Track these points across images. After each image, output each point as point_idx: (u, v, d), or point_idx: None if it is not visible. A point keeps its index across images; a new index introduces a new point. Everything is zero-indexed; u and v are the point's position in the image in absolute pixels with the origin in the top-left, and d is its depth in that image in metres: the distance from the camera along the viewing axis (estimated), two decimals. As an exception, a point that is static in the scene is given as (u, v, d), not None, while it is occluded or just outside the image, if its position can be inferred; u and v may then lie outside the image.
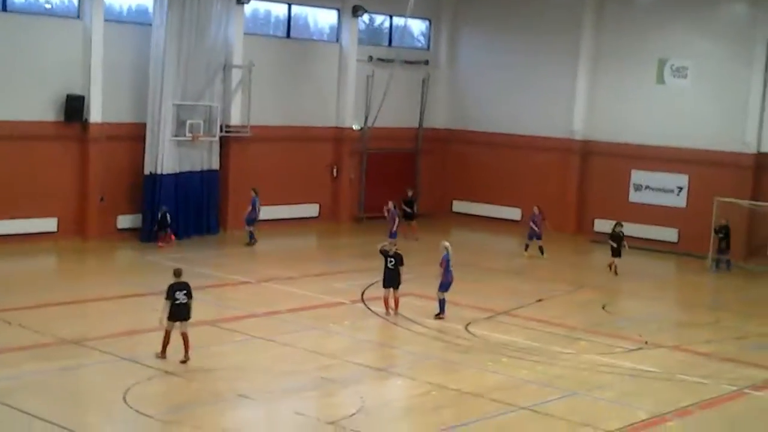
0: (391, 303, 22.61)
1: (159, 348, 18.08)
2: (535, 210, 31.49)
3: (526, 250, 31.43)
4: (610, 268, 28.98)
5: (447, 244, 22.76)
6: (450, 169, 39.78)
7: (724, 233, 30.30)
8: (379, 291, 24.77)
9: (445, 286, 22.58)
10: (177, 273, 18.46)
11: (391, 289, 22.61)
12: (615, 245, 29.01)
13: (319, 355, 18.98)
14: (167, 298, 17.97)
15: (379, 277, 23.52)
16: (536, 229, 31.21)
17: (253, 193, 31.41)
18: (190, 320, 18.15)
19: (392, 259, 22.52)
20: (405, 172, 38.88)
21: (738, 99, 32.79)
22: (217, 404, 16.03)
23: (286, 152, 34.77)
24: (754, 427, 16.56)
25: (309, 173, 35.68)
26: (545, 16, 37.35)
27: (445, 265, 22.38)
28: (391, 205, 32.42)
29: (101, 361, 18.01)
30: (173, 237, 30.44)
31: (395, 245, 23.21)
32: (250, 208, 31.33)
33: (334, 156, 36.51)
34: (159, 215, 30.16)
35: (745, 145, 32.62)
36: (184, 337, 17.97)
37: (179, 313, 17.96)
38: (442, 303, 22.64)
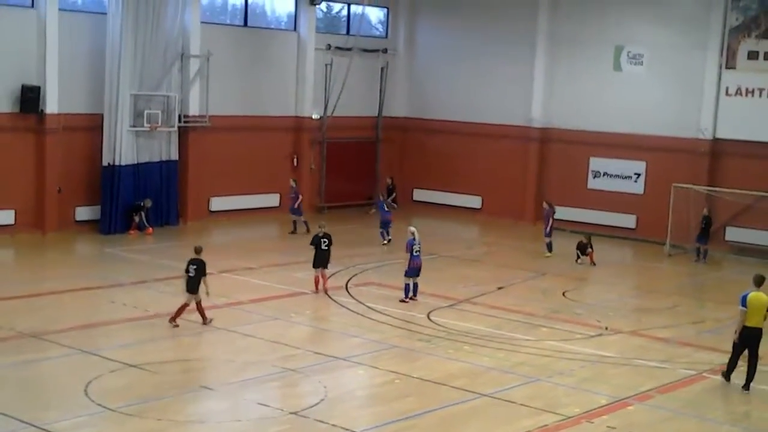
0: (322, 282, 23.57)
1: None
2: (545, 205, 30.98)
3: (550, 250, 30.29)
4: (578, 260, 29.26)
5: (413, 229, 23.28)
6: (410, 157, 39.85)
7: (705, 223, 30.52)
8: (340, 280, 24.92)
9: (412, 272, 22.98)
10: (196, 250, 20.50)
11: (321, 269, 23.47)
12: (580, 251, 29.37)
13: (281, 346, 18.97)
14: (186, 271, 20.01)
15: (340, 266, 23.72)
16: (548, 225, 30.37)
17: (292, 182, 32.56)
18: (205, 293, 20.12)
19: (326, 240, 23.36)
20: (365, 161, 38.91)
21: (694, 86, 33.11)
22: (180, 396, 15.98)
23: (245, 142, 34.63)
24: (712, 410, 16.79)
25: (269, 163, 35.57)
26: (503, 3, 37.46)
27: (410, 249, 22.77)
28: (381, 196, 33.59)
29: (61, 355, 17.88)
30: (150, 230, 30.68)
31: (325, 226, 24.17)
32: (294, 197, 32.38)
33: (294, 145, 36.43)
34: (142, 205, 30.60)
35: (702, 131, 32.97)
36: (197, 306, 19.97)
37: (189, 285, 19.89)
38: (407, 287, 23.04)
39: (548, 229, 30.19)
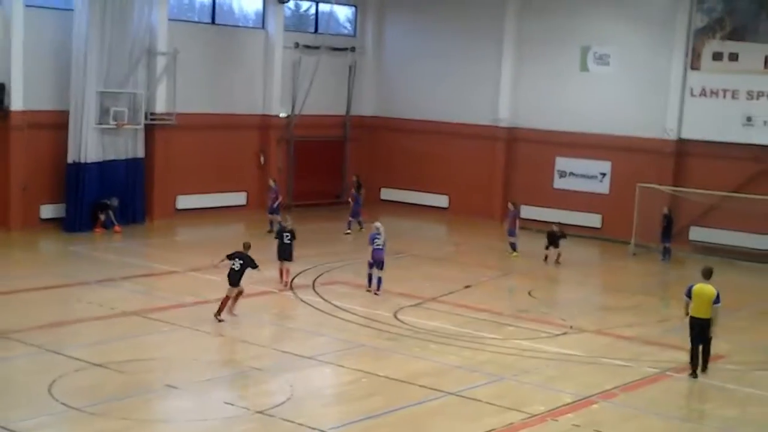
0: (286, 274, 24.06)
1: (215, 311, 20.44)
2: (510, 206, 30.80)
3: (515, 250, 30.09)
4: (546, 259, 29.08)
5: (378, 224, 24.04)
6: (377, 156, 39.89)
7: (666, 222, 30.73)
8: (307, 279, 24.91)
9: (374, 264, 23.63)
10: (245, 246, 21.19)
11: (284, 262, 23.90)
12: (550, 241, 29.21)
13: (247, 344, 18.95)
14: (230, 259, 20.83)
15: (308, 264, 23.83)
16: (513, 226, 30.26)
17: (272, 183, 32.14)
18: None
19: (288, 234, 23.97)
20: (333, 159, 38.92)
21: (659, 86, 33.38)
22: (145, 395, 15.92)
23: (212, 140, 34.53)
24: (676, 408, 16.96)
25: (236, 161, 35.49)
26: (471, 3, 37.60)
27: (372, 242, 23.63)
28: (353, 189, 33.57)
29: (25, 354, 17.74)
30: (119, 229, 30.47)
31: (289, 221, 24.83)
32: (273, 197, 31.84)
33: (261, 144, 36.37)
34: (108, 203, 30.43)
35: (667, 131, 33.25)
36: (233, 300, 20.81)
37: (231, 278, 20.53)
38: (369, 277, 23.84)
39: (513, 229, 30.14)
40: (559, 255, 28.95)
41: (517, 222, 30.34)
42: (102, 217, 30.44)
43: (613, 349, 20.12)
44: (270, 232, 31.47)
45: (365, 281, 24.02)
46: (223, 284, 23.82)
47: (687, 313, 18.28)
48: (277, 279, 24.14)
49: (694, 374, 18.31)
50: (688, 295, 18.17)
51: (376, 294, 23.53)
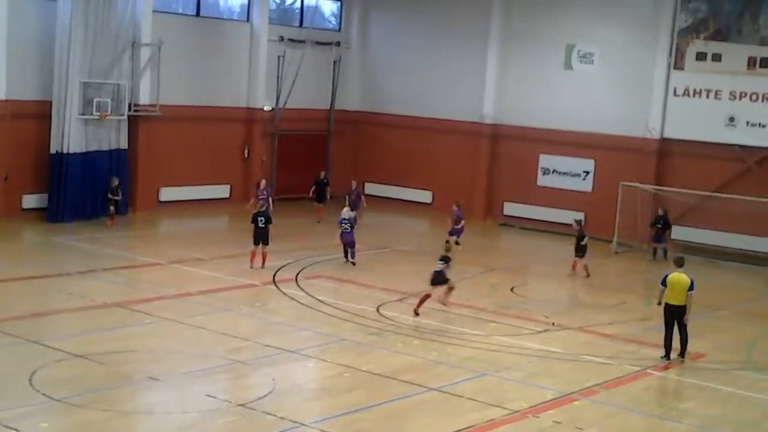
0: (259, 258, 25.00)
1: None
2: (455, 207, 29.59)
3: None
4: (574, 269, 27.42)
5: (345, 209, 26.86)
6: (361, 151, 39.88)
7: (662, 223, 30.74)
8: (290, 272, 24.91)
9: (345, 243, 26.26)
10: (447, 248, 22.20)
11: (261, 245, 24.86)
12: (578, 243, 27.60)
13: (230, 338, 18.90)
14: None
15: (291, 258, 23.96)
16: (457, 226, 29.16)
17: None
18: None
19: (262, 218, 24.95)
20: (317, 153, 38.85)
21: (643, 85, 33.49)
22: (127, 387, 15.88)
23: (196, 132, 34.42)
24: (657, 406, 17.05)
25: (220, 154, 35.40)
26: None
27: (339, 225, 26.27)
28: (353, 185, 33.38)
29: (6, 344, 17.63)
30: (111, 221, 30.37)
31: (264, 207, 25.72)
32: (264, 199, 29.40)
33: (245, 137, 36.29)
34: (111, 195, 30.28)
35: (650, 130, 33.38)
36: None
37: (433, 278, 21.32)
38: (345, 252, 26.43)
39: (457, 229, 29.08)
40: (586, 267, 27.27)
41: (462, 224, 29.14)
42: (112, 209, 30.19)
43: (595, 346, 20.19)
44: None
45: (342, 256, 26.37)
46: (211, 277, 23.87)
47: (660, 302, 19.23)
48: (257, 265, 25.02)
49: (667, 357, 19.11)
50: (664, 283, 19.01)
51: (352, 263, 26.09)
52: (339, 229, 26.35)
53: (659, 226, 30.67)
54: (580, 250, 27.23)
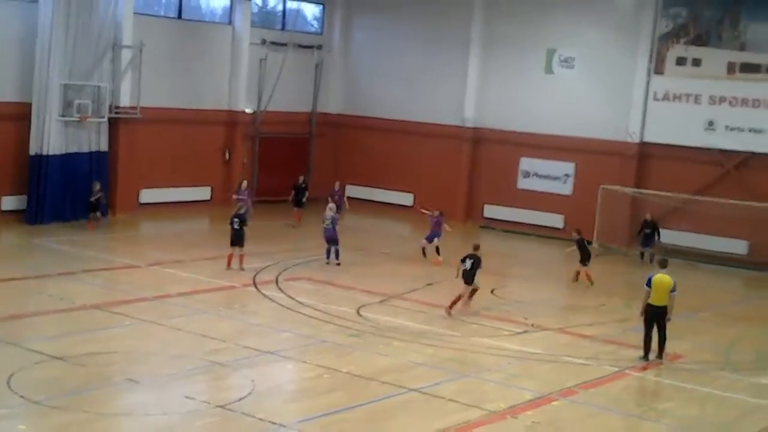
0: (236, 261, 25.05)
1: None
2: (435, 212, 29.24)
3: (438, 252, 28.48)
4: (577, 277, 27.16)
5: (331, 205, 27.43)
6: (343, 154, 39.89)
7: (651, 228, 30.70)
8: (271, 274, 24.91)
9: (327, 240, 26.68)
10: (475, 247, 22.57)
11: (237, 248, 24.90)
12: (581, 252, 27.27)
13: (209, 339, 18.86)
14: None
15: (271, 260, 24.02)
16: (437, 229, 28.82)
17: (244, 183, 31.62)
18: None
19: (237, 220, 25.12)
20: (298, 156, 38.83)
21: (623, 90, 33.66)
22: (106, 389, 15.82)
23: (177, 135, 34.33)
24: (635, 406, 17.13)
25: (201, 156, 35.31)
26: (438, 3, 37.66)
27: (322, 222, 26.77)
28: (337, 186, 33.56)
29: (-16, 346, 17.57)
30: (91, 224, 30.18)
31: (243, 209, 25.94)
32: (243, 200, 29.85)
33: (227, 139, 36.22)
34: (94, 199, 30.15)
35: (630, 134, 33.54)
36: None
37: (465, 276, 21.95)
38: (327, 251, 26.83)
39: (432, 233, 28.73)
40: (588, 274, 26.87)
41: (443, 227, 28.85)
42: (98, 214, 30.16)
43: (574, 347, 20.28)
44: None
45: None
46: (190, 279, 23.86)
47: (644, 307, 19.30)
48: (235, 266, 25.12)
49: (645, 357, 19.25)
50: (648, 284, 19.13)
51: (336, 264, 26.29)
52: (323, 225, 26.84)
53: (647, 231, 30.63)
54: (586, 258, 26.92)
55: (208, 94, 35.57)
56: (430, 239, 28.69)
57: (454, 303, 22.03)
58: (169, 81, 34.17)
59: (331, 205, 27.90)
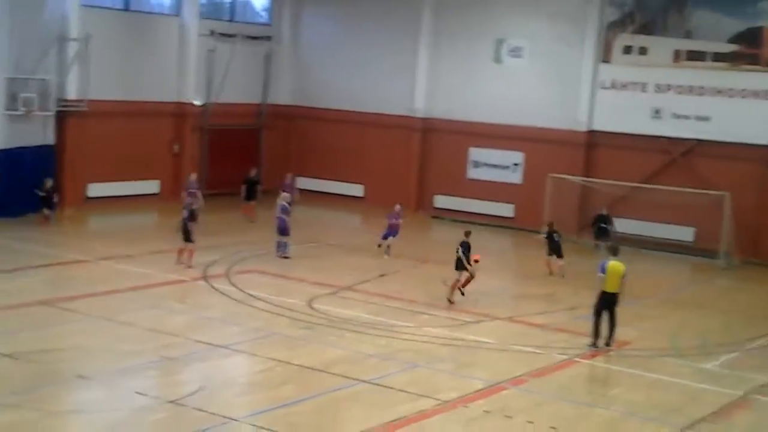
0: (185, 255, 24.81)
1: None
2: (397, 207, 28.86)
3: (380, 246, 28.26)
4: (550, 270, 26.96)
5: (284, 194, 27.51)
6: (294, 145, 39.80)
7: (605, 221, 30.70)
8: (221, 268, 24.83)
9: (279, 230, 26.63)
10: (466, 233, 23.29)
11: (185, 243, 24.76)
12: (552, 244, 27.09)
13: (160, 334, 18.79)
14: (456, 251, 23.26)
15: (222, 253, 23.97)
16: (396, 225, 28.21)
17: (194, 177, 31.20)
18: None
19: (186, 213, 25.20)
20: (248, 148, 38.70)
21: (571, 78, 33.96)
22: (56, 386, 15.71)
23: (125, 127, 34.04)
24: (585, 394, 17.35)
25: (149, 149, 35.05)
26: (388, -6, 37.74)
27: (277, 211, 26.70)
28: (289, 178, 33.12)
29: (-69, 345, 17.36)
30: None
31: (194, 205, 26.03)
32: (192, 193, 29.58)
33: (176, 132, 35.98)
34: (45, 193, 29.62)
35: (578, 123, 33.86)
36: (463, 283, 23.10)
37: (457, 264, 22.63)
38: (278, 244, 26.69)
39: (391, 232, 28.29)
40: (549, 264, 27.00)
41: (399, 224, 28.37)
42: (47, 212, 29.65)
43: (525, 336, 20.48)
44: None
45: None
46: (141, 273, 23.75)
47: (602, 288, 19.42)
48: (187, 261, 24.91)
49: (595, 345, 19.48)
50: (603, 271, 19.31)
51: (285, 257, 26.28)
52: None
53: (602, 225, 30.65)
54: (553, 251, 27.02)
55: (157, 87, 35.29)
56: (385, 237, 28.26)
57: (452, 291, 22.80)
58: (117, 73, 33.85)
59: (284, 194, 27.90)
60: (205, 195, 34.09)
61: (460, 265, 22.75)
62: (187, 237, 24.80)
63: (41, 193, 29.91)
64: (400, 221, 28.64)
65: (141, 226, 31.90)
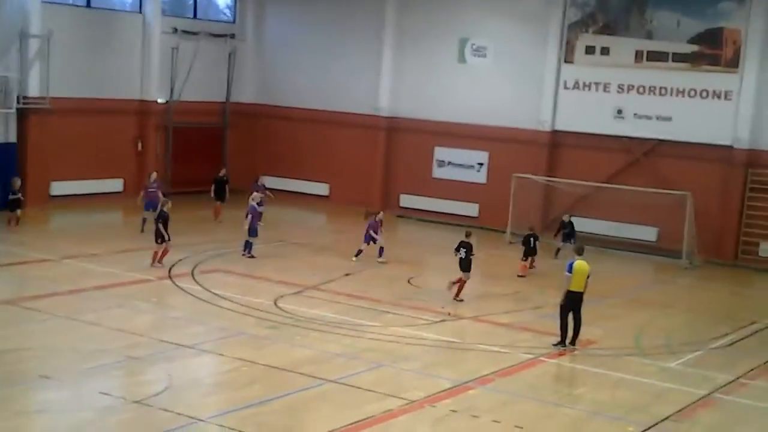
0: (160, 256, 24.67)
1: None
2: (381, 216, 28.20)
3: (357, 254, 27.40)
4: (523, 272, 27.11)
5: (255, 195, 27.25)
6: (258, 144, 39.68)
7: (569, 228, 30.35)
8: (186, 267, 24.70)
9: (251, 231, 26.37)
10: (467, 234, 23.93)
11: (164, 243, 24.46)
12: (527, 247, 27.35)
13: (125, 334, 18.66)
14: (456, 251, 23.49)
15: (187, 252, 23.97)
16: (374, 235, 27.47)
17: (155, 175, 30.35)
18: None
19: (155, 213, 25.36)
20: (212, 146, 38.54)
21: (535, 78, 34.15)
22: (20, 386, 15.53)
23: (88, 125, 33.79)
24: (551, 393, 17.43)
25: (112, 147, 34.81)
26: (352, -8, 37.73)
27: (249, 212, 26.43)
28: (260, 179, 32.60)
29: None
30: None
31: (168, 204, 25.05)
32: (153, 192, 29.02)
33: (139, 130, 35.76)
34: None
35: (541, 123, 34.05)
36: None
37: (462, 265, 23.21)
38: (246, 243, 26.45)
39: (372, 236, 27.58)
40: (533, 260, 27.51)
41: (379, 229, 27.59)
42: (18, 212, 28.75)
43: (490, 335, 20.56)
44: (143, 232, 28.56)
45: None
46: (106, 272, 23.56)
47: (568, 288, 19.43)
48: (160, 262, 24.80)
49: (563, 343, 19.55)
50: (570, 270, 19.36)
51: (251, 256, 26.29)
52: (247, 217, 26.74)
53: (566, 231, 30.27)
54: (529, 253, 27.28)
55: (120, 84, 35.04)
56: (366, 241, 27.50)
57: (459, 290, 23.26)
58: (79, 71, 33.58)
59: (255, 194, 27.71)
60: (169, 194, 33.88)
61: (464, 266, 23.26)
62: (160, 238, 24.41)
63: (13, 196, 28.69)
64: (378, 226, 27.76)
65: (105, 225, 31.64)
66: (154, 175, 30.51)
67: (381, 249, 27.44)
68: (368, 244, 27.42)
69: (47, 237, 28.81)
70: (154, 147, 35.93)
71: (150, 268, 24.22)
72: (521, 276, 26.79)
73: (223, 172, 33.33)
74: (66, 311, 19.88)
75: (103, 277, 23.14)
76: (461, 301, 23.21)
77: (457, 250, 23.43)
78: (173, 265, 24.63)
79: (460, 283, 23.30)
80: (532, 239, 27.15)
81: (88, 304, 20.71)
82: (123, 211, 33.45)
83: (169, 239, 24.43)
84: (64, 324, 19.16)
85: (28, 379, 15.86)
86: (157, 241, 24.44)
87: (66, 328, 18.96)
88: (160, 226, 24.39)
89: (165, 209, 24.66)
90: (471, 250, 23.39)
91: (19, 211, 28.71)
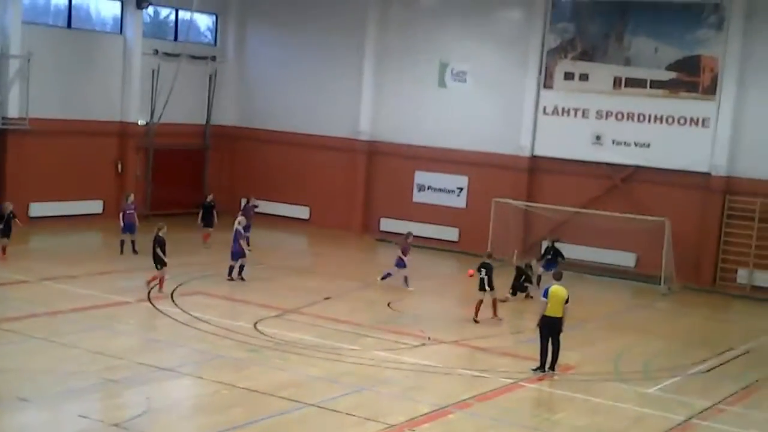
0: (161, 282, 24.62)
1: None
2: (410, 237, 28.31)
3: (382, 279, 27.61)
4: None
5: (240, 218, 27.19)
6: (239, 166, 39.67)
7: (552, 253, 29.81)
8: (166, 289, 24.61)
9: (234, 255, 26.35)
10: (488, 255, 24.30)
11: (163, 269, 24.45)
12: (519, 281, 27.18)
13: (103, 356, 18.55)
14: (478, 270, 23.82)
15: (167, 275, 23.94)
16: (404, 258, 27.49)
17: (132, 197, 30.22)
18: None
19: (156, 239, 24.75)
20: (193, 168, 38.53)
21: (514, 104, 34.34)
22: (-4, 409, 15.46)
23: (68, 147, 33.73)
24: (529, 417, 17.47)
25: (92, 169, 34.73)
26: (333, 15, 37.85)
27: (234, 237, 26.34)
28: (253, 201, 32.65)
29: None
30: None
31: (163, 228, 25.01)
32: (131, 213, 29.22)
33: (119, 151, 35.70)
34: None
35: (521, 148, 34.22)
36: (493, 303, 24.02)
37: (480, 285, 23.74)
38: (230, 268, 26.36)
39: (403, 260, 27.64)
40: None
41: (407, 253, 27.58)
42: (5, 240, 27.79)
43: (470, 360, 20.60)
44: (122, 254, 28.97)
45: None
46: (84, 294, 23.49)
47: (543, 313, 19.54)
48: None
49: (542, 368, 19.58)
50: (545, 296, 19.52)
51: (241, 279, 26.28)
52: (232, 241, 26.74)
53: (549, 256, 30.19)
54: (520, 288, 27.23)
55: (100, 106, 35.02)
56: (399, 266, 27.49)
57: (477, 311, 23.79)
58: (60, 92, 33.55)
59: (240, 218, 27.42)
60: (149, 216, 33.88)
61: (482, 286, 23.71)
62: (159, 263, 24.29)
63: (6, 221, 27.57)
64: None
65: (84, 246, 31.53)
66: (132, 196, 30.30)
67: (406, 278, 27.42)
68: (399, 268, 27.46)
69: (25, 258, 28.61)
70: (134, 169, 35.86)
71: (128, 291, 24.11)
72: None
73: (210, 197, 32.87)
74: (44, 333, 19.77)
75: (81, 299, 23.04)
76: (500, 320, 24.07)
77: (479, 270, 23.79)
78: (152, 287, 24.53)
79: (494, 303, 24.02)
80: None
81: (67, 326, 20.61)
82: (102, 232, 33.33)
83: (164, 266, 24.33)
84: (42, 346, 19.05)
85: (5, 402, 15.75)
86: (157, 267, 24.36)
87: (44, 350, 18.85)
88: (158, 251, 24.28)
89: (161, 234, 24.56)
90: (491, 271, 23.75)
91: (5, 240, 27.62)
